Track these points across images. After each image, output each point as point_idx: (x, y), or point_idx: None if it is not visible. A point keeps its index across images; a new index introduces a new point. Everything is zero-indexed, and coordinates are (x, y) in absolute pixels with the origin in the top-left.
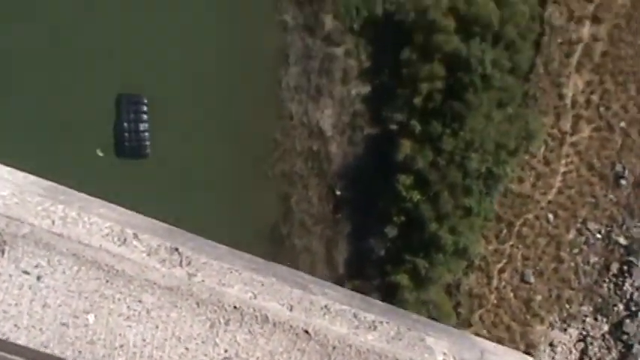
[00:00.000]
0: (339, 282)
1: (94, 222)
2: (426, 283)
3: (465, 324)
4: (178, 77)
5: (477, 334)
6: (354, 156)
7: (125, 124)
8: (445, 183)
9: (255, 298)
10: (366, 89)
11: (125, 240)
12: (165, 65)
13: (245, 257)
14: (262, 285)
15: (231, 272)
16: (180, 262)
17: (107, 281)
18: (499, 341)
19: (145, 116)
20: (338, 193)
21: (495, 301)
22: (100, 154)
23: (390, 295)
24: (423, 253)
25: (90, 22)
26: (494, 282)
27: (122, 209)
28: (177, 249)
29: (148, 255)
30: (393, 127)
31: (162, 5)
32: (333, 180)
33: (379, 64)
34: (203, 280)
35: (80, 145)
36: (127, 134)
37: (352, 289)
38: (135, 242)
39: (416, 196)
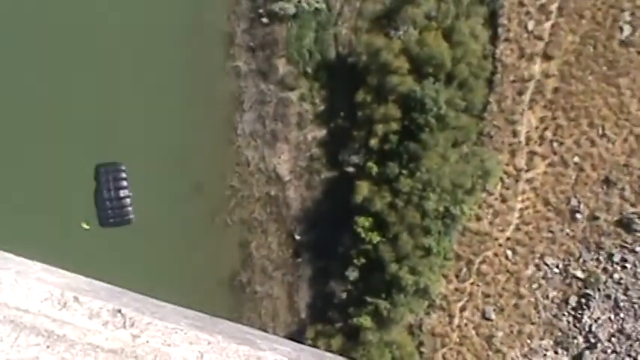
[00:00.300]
0: (302, 327)
1: (33, 286)
2: (389, 324)
3: None
4: (140, 135)
5: None
6: (312, 200)
7: (106, 194)
8: (404, 224)
9: (202, 357)
10: (321, 133)
11: (65, 304)
12: (127, 124)
13: (189, 315)
14: (209, 343)
15: (176, 332)
16: (124, 323)
17: (48, 347)
18: None
19: (124, 183)
20: (297, 237)
21: (458, 339)
22: (86, 227)
23: (353, 337)
24: (384, 295)
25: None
26: (456, 320)
27: (62, 271)
28: (119, 310)
29: (90, 318)
30: (350, 169)
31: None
32: (293, 224)
33: (334, 107)
34: (147, 341)
35: (62, 220)
36: (108, 203)
37: (316, 334)
38: (76, 305)
39: (375, 237)
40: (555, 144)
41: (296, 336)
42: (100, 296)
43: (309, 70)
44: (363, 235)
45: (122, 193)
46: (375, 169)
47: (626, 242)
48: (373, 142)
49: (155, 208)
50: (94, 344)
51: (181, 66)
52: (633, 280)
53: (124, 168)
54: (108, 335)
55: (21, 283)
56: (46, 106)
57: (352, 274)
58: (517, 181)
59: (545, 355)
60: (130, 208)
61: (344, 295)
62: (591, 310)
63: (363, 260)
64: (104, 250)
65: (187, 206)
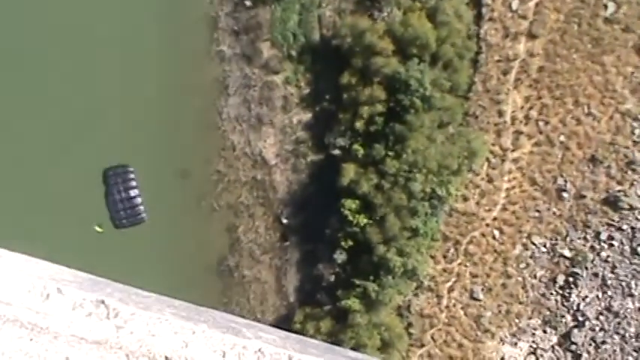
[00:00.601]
0: (291, 310)
1: (15, 278)
2: (377, 306)
3: (417, 344)
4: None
5: (430, 354)
6: (298, 183)
7: (117, 196)
8: (390, 206)
9: (187, 346)
10: (307, 116)
11: (48, 295)
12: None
13: (174, 304)
14: (193, 333)
15: (161, 322)
16: (108, 314)
17: (31, 339)
18: (451, 359)
19: (134, 183)
20: (285, 221)
21: (446, 320)
22: (99, 229)
23: (342, 319)
24: (372, 277)
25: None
26: (444, 301)
27: (45, 262)
28: (103, 301)
29: (73, 309)
30: (336, 152)
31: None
32: (279, 208)
33: (319, 89)
34: (132, 332)
35: (76, 224)
36: (120, 204)
37: (304, 317)
38: (59, 297)
39: (362, 220)
40: (541, 123)
41: (285, 319)
42: (83, 287)
43: (294, 53)
44: (350, 217)
45: (132, 192)
46: (361, 152)
47: (612, 220)
48: (359, 125)
49: (144, 193)
50: (77, 336)
51: (165, 51)
52: (620, 257)
53: (132, 169)
54: (92, 326)
55: (3, 275)
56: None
57: (340, 257)
58: (503, 160)
59: (533, 334)
60: (141, 207)
61: (332, 278)
62: (579, 288)
63: (350, 243)
64: (90, 239)
65: (173, 191)
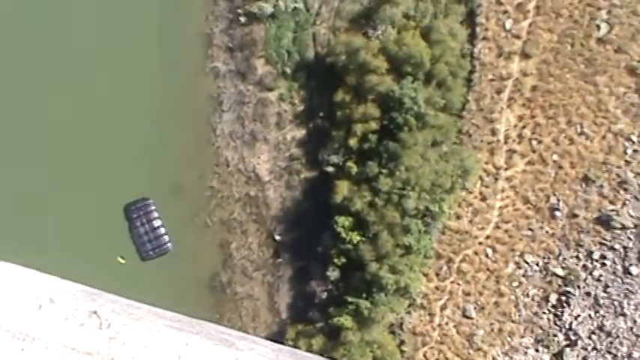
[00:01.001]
0: (283, 327)
1: (7, 288)
2: (370, 324)
3: None
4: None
5: None
6: (292, 200)
7: (141, 229)
8: (384, 223)
9: (180, 358)
10: (301, 133)
11: (41, 306)
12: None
13: (167, 316)
14: (186, 345)
15: (153, 333)
16: (100, 325)
17: (23, 349)
18: None
19: (155, 214)
20: (278, 237)
21: (438, 338)
22: (122, 261)
23: (334, 337)
24: (365, 294)
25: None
26: (437, 319)
27: (37, 273)
28: (95, 312)
29: (66, 320)
30: (330, 169)
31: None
32: (272, 225)
33: (313, 107)
34: (124, 343)
35: (103, 259)
36: (145, 237)
37: (297, 334)
38: (51, 307)
39: (355, 237)
40: (534, 142)
41: (277, 336)
42: (75, 298)
43: (288, 70)
44: (343, 234)
45: (155, 223)
46: (354, 169)
47: (605, 239)
48: (352, 142)
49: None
50: (69, 346)
51: (159, 67)
52: (613, 277)
53: (152, 201)
54: (84, 337)
55: None
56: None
57: (333, 274)
58: (496, 179)
59: (526, 352)
60: (166, 237)
61: (324, 295)
62: (571, 307)
63: (343, 260)
64: (82, 253)
65: (167, 207)
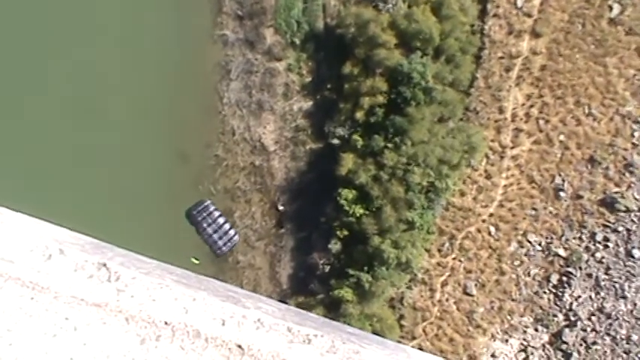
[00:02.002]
0: (284, 297)
1: (18, 237)
2: (370, 297)
3: (408, 337)
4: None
5: (421, 347)
6: (296, 171)
7: (209, 230)
8: (387, 197)
9: (187, 313)
10: (308, 104)
11: (50, 256)
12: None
13: (177, 272)
14: (194, 300)
15: (162, 287)
16: (109, 277)
17: (32, 298)
18: (442, 353)
19: (217, 213)
20: (281, 208)
21: (438, 314)
22: (196, 262)
23: (334, 309)
24: (366, 268)
25: None
26: (437, 295)
27: (47, 224)
28: (105, 264)
29: (75, 271)
30: (335, 141)
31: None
32: (276, 195)
33: (321, 78)
34: (132, 296)
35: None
36: (215, 235)
37: (297, 305)
38: (61, 258)
39: (358, 210)
40: (541, 121)
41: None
42: (85, 249)
43: (297, 40)
44: (346, 207)
45: (220, 220)
46: (360, 142)
47: (608, 222)
48: (359, 115)
49: (142, 176)
50: (78, 297)
51: (168, 33)
52: (615, 259)
53: (210, 201)
54: (92, 288)
55: (6, 234)
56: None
57: (334, 247)
58: (502, 157)
59: (525, 331)
60: (232, 231)
61: (326, 267)
62: (572, 288)
63: (345, 232)
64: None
65: (172, 174)
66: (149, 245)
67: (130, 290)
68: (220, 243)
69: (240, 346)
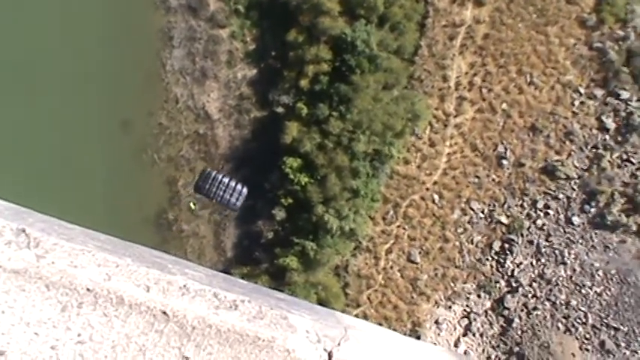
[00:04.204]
0: (228, 266)
1: None
2: (315, 266)
3: (353, 304)
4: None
5: (365, 315)
6: (241, 139)
7: (219, 192)
8: (332, 166)
9: (110, 279)
10: (252, 72)
11: None
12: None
13: (101, 238)
14: (117, 266)
15: (84, 253)
16: (28, 243)
17: None
18: (386, 320)
19: (220, 176)
20: (193, 207)
21: (383, 282)
22: (193, 207)
23: (279, 277)
24: (311, 236)
25: None
26: (382, 262)
27: None
28: (24, 230)
29: None
30: (280, 110)
31: None
32: (221, 163)
33: (265, 46)
34: (53, 262)
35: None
36: (227, 195)
37: (241, 274)
38: None
39: (303, 179)
40: (484, 90)
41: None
42: (3, 215)
43: (241, 7)
44: (291, 175)
45: (225, 180)
46: (304, 110)
47: (549, 189)
48: (303, 83)
49: (83, 144)
50: None
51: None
52: (555, 226)
53: (209, 169)
54: (11, 255)
55: None
56: None
57: (279, 214)
58: (446, 125)
59: (468, 298)
60: (238, 185)
61: (271, 235)
62: (514, 255)
63: (290, 201)
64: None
65: (114, 143)
66: (90, 215)
67: (51, 256)
68: (233, 199)
69: (164, 313)
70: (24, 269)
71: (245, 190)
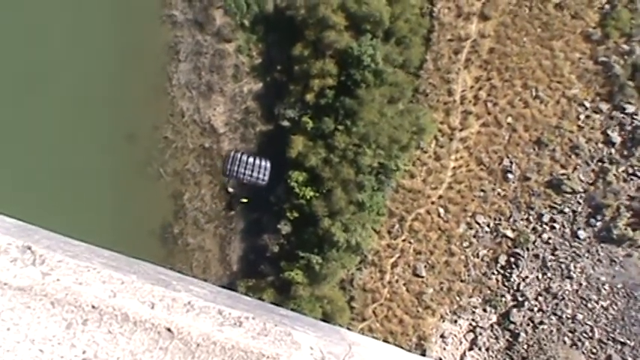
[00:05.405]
0: (234, 280)
1: None
2: (320, 279)
3: (359, 318)
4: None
5: (370, 329)
6: (246, 153)
7: (246, 172)
8: (338, 179)
9: (115, 296)
10: (257, 86)
11: None
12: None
13: (105, 254)
14: (122, 283)
15: (89, 270)
16: (34, 260)
17: None
18: (392, 334)
19: (240, 155)
20: (231, 190)
21: (388, 295)
22: (245, 200)
23: (284, 291)
24: (316, 249)
25: None
26: (387, 276)
27: None
28: (29, 247)
29: None
30: (285, 124)
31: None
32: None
33: (271, 60)
34: (58, 279)
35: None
36: (255, 173)
37: (247, 287)
38: None
39: (309, 192)
40: (489, 104)
41: (227, 289)
42: (9, 232)
43: (247, 22)
44: (296, 189)
45: (250, 160)
46: (310, 124)
47: (555, 203)
48: (309, 97)
49: (88, 158)
50: (1, 281)
51: (116, 13)
52: (561, 240)
53: (230, 152)
54: (16, 272)
55: None
56: None
57: (285, 228)
58: (451, 139)
59: (473, 312)
60: (263, 161)
61: (276, 249)
62: (520, 269)
63: (296, 214)
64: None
65: (120, 156)
66: (94, 230)
67: (56, 273)
68: (260, 175)
69: (169, 330)
70: (29, 286)
71: (269, 165)
